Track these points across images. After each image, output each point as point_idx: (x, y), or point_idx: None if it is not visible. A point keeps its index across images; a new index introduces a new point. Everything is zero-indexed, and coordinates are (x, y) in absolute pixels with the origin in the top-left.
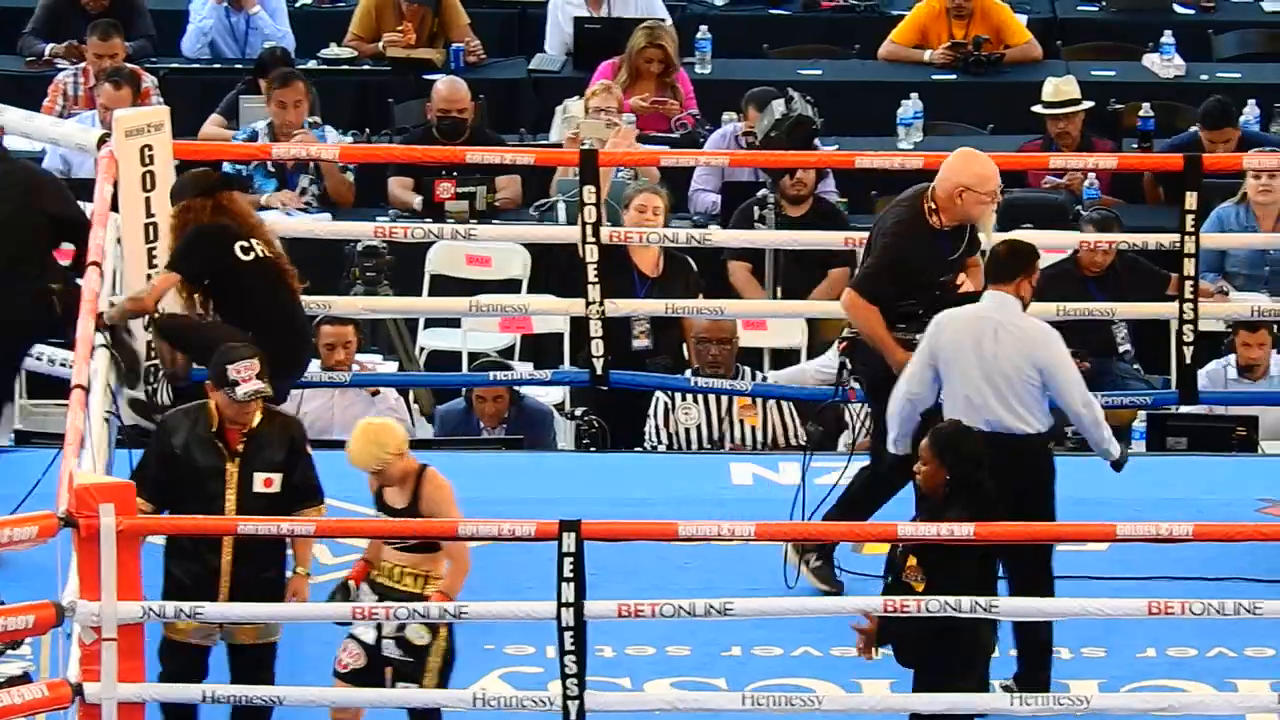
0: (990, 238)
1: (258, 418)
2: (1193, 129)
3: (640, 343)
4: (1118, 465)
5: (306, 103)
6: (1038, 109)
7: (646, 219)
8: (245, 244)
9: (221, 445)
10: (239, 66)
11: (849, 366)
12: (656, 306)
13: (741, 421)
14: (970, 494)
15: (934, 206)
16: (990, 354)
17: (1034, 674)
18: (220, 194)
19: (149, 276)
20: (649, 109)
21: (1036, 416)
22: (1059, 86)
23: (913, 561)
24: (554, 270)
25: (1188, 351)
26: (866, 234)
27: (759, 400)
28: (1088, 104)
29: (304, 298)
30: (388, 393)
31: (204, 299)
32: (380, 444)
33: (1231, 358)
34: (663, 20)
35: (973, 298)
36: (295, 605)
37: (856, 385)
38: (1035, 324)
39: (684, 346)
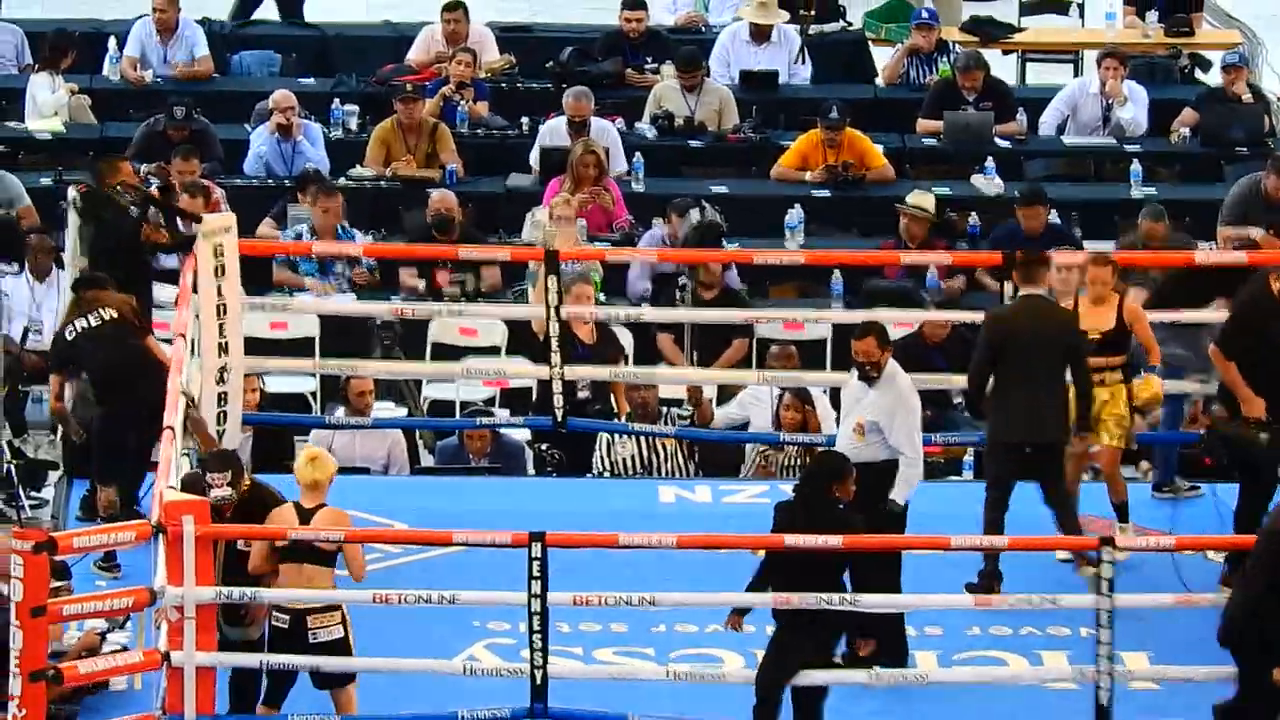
0: None
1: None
2: (1012, 223)
3: (583, 394)
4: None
5: (338, 209)
6: (902, 206)
7: (584, 301)
8: (71, 327)
9: None
10: (286, 183)
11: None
12: (601, 373)
13: (664, 446)
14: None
15: None
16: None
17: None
18: (77, 291)
19: (220, 344)
20: (589, 201)
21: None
22: (920, 198)
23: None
24: (525, 339)
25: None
26: (763, 314)
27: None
28: (930, 209)
29: (336, 361)
30: (394, 432)
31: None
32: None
33: None
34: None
35: None
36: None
37: None
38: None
39: (610, 396)
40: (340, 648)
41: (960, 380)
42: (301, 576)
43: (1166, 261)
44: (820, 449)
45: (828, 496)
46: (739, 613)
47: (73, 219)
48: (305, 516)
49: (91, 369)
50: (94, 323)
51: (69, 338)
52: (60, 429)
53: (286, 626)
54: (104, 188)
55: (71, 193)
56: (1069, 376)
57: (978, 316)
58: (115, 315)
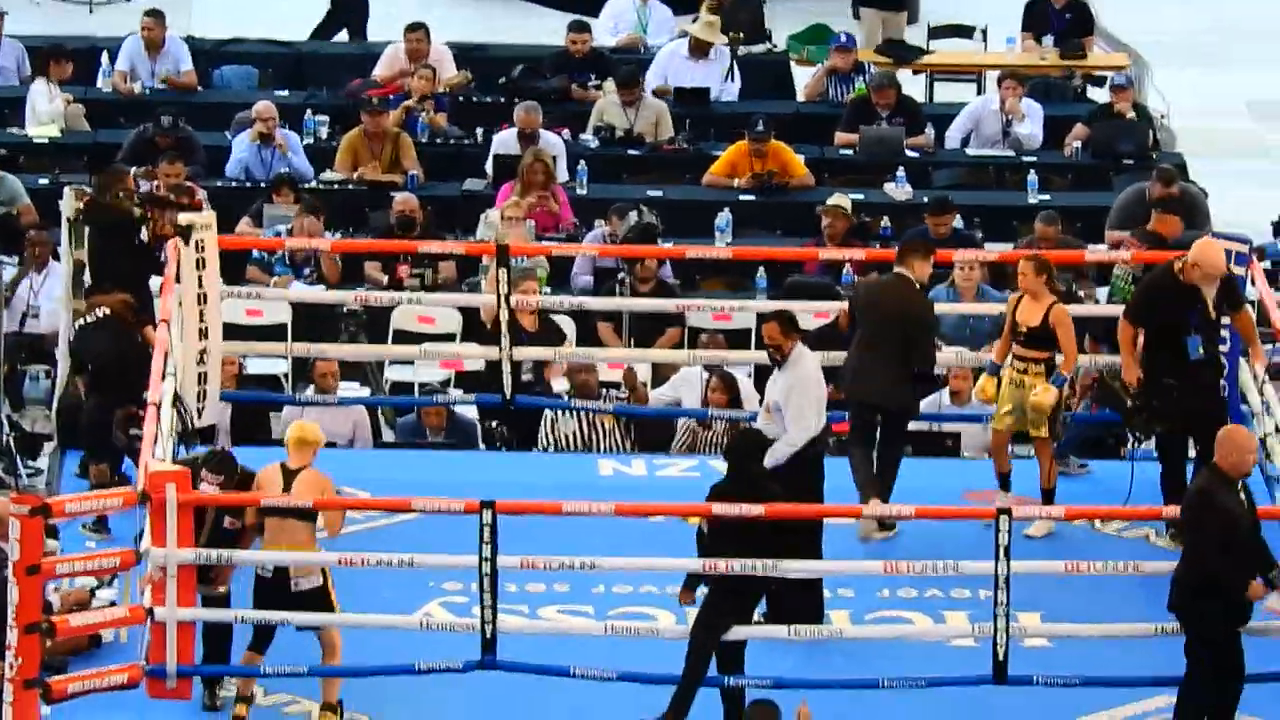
0: None
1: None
2: (921, 226)
3: (527, 377)
4: None
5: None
6: (824, 207)
7: (531, 292)
8: (81, 322)
9: None
10: (263, 185)
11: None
12: (546, 353)
13: (603, 423)
14: (751, 481)
15: None
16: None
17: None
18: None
19: (201, 329)
20: (537, 204)
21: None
22: (839, 199)
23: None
24: (477, 327)
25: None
26: (694, 303)
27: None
28: (849, 209)
29: (306, 345)
30: (359, 408)
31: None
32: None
33: (946, 390)
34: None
35: None
36: (308, 554)
37: None
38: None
39: (549, 381)
40: (320, 594)
41: None
42: (284, 531)
43: (1062, 259)
44: (741, 425)
45: (750, 469)
46: (689, 588)
47: (67, 220)
48: (289, 477)
49: (87, 360)
50: (90, 320)
51: (72, 337)
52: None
53: (270, 576)
54: (108, 195)
55: (68, 199)
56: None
57: None
58: (110, 312)
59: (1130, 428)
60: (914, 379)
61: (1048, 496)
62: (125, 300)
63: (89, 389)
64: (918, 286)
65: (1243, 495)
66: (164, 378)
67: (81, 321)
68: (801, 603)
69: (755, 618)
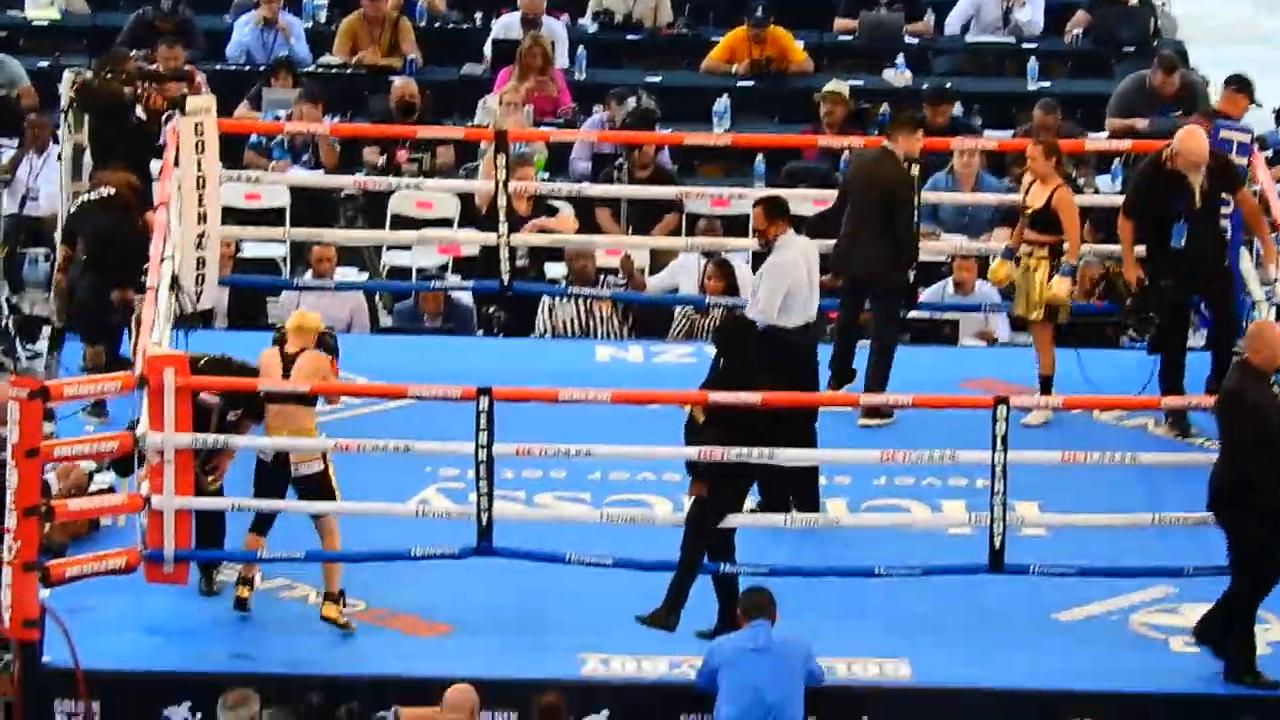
0: None
1: None
2: (920, 113)
3: (522, 262)
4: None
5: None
6: (821, 94)
7: (527, 178)
8: (76, 201)
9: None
10: (262, 68)
11: None
12: (544, 239)
13: (600, 310)
14: (739, 368)
15: None
16: (813, 270)
17: (809, 503)
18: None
19: (200, 214)
20: (537, 89)
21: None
22: (837, 85)
23: (697, 411)
24: (474, 212)
25: (910, 275)
26: (692, 190)
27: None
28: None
29: (305, 230)
30: (356, 294)
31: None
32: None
33: (949, 279)
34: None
35: None
36: (307, 440)
37: None
38: (810, 242)
39: (542, 265)
40: (321, 479)
41: None
42: (284, 415)
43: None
44: (731, 312)
45: (740, 355)
46: (699, 479)
47: (65, 103)
48: (288, 361)
49: (85, 236)
50: (93, 197)
51: (73, 210)
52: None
53: (270, 461)
54: (105, 78)
55: (67, 82)
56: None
57: None
58: (114, 192)
59: (1129, 324)
60: (898, 260)
61: (1045, 384)
62: (129, 181)
63: (85, 269)
64: (903, 160)
65: (1276, 390)
66: (162, 261)
67: (85, 198)
68: (796, 491)
69: (750, 506)
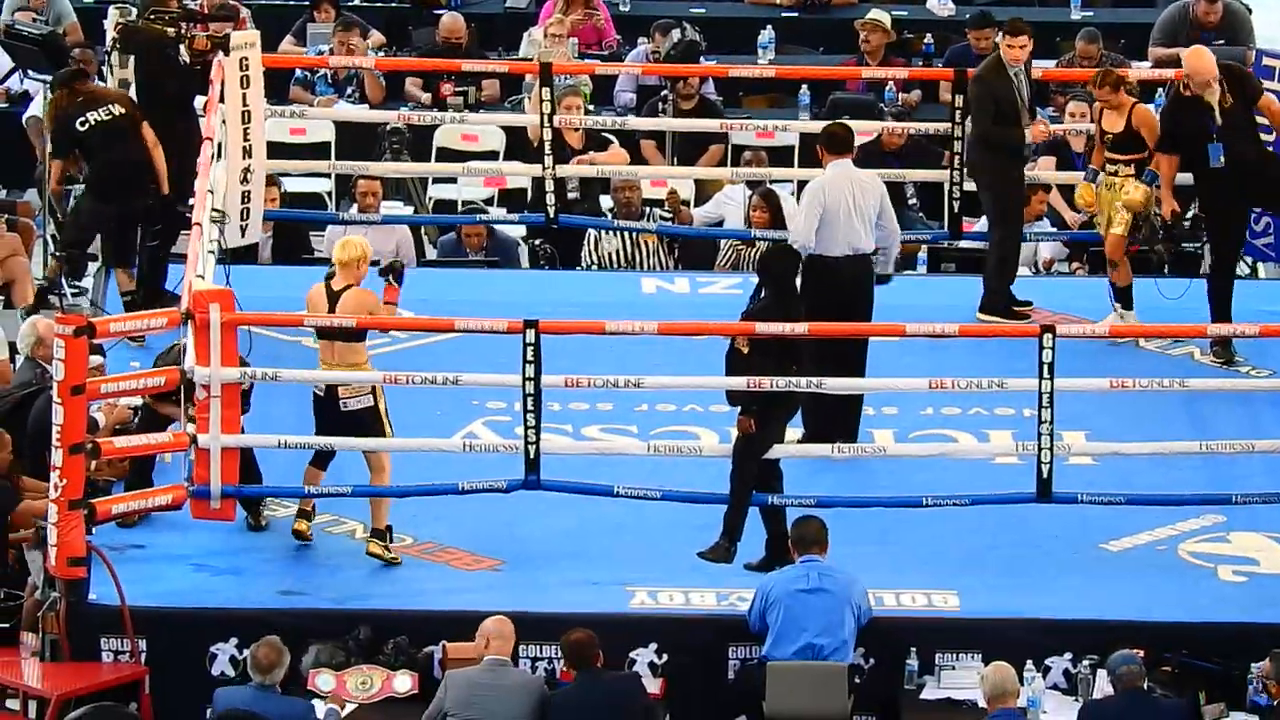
0: None
1: None
2: (963, 43)
3: (572, 194)
4: (884, 279)
5: (358, 44)
6: (861, 21)
7: (574, 110)
8: (82, 118)
9: None
10: (306, 3)
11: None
12: (590, 170)
13: (646, 242)
14: (784, 297)
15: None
16: (860, 199)
17: (850, 431)
18: (70, 84)
19: (245, 148)
20: (582, 21)
21: (873, 239)
22: (877, 14)
23: (741, 341)
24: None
25: (955, 205)
26: (737, 121)
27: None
28: (888, 24)
29: (349, 164)
30: (402, 227)
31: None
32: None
33: None
34: None
35: None
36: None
37: None
38: (871, 175)
39: (598, 198)
40: (372, 415)
41: (913, 175)
42: (333, 351)
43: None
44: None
45: (782, 284)
46: (746, 413)
47: (109, 43)
48: (334, 296)
49: (101, 162)
50: (104, 116)
51: (80, 128)
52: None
53: (323, 394)
54: (149, 19)
55: (111, 19)
56: None
57: (932, 126)
58: (124, 110)
59: (1145, 250)
60: None
61: (1122, 294)
62: (127, 95)
63: (88, 190)
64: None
65: None
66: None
67: (95, 116)
68: (837, 419)
69: (795, 437)
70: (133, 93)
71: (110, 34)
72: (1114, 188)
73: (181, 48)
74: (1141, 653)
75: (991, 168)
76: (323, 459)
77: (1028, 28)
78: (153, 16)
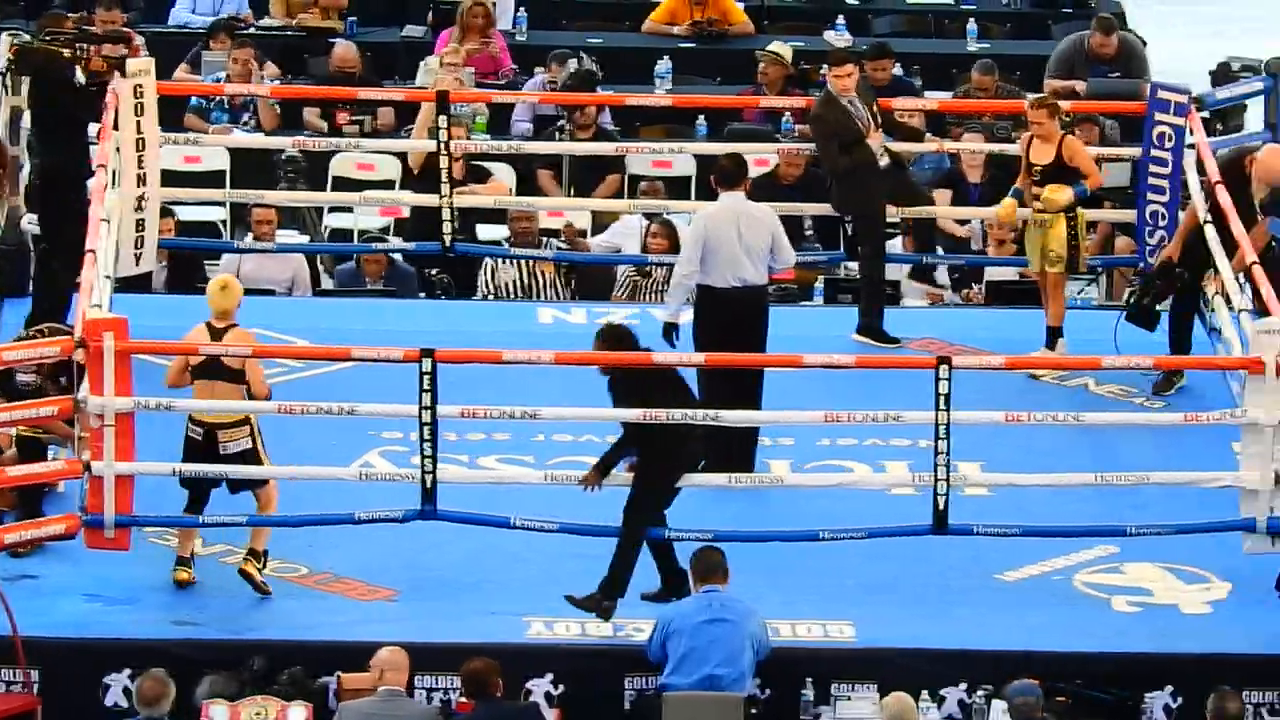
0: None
1: None
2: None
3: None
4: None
5: (248, 59)
6: (761, 53)
7: (461, 138)
8: None
9: None
10: (201, 30)
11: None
12: (486, 201)
13: (543, 272)
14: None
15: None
16: (746, 233)
17: (745, 462)
18: None
19: (139, 175)
20: (478, 50)
21: (764, 273)
22: (778, 46)
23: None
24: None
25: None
26: (633, 145)
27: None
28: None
29: (245, 191)
30: (297, 256)
31: None
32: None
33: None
34: None
35: None
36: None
37: None
38: (763, 209)
39: (474, 228)
40: (250, 458)
41: (809, 209)
42: (214, 393)
43: (997, 109)
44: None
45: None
46: (601, 470)
47: (2, 65)
48: (216, 336)
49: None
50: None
51: None
52: None
53: (200, 439)
54: (43, 40)
55: (3, 46)
56: None
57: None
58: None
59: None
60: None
61: (1051, 335)
62: None
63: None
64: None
65: None
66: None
67: None
68: (732, 449)
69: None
70: (26, 119)
71: (5, 56)
72: (1042, 225)
73: (77, 69)
74: (1038, 682)
75: (854, 197)
76: (196, 506)
77: (852, 57)
78: (48, 38)
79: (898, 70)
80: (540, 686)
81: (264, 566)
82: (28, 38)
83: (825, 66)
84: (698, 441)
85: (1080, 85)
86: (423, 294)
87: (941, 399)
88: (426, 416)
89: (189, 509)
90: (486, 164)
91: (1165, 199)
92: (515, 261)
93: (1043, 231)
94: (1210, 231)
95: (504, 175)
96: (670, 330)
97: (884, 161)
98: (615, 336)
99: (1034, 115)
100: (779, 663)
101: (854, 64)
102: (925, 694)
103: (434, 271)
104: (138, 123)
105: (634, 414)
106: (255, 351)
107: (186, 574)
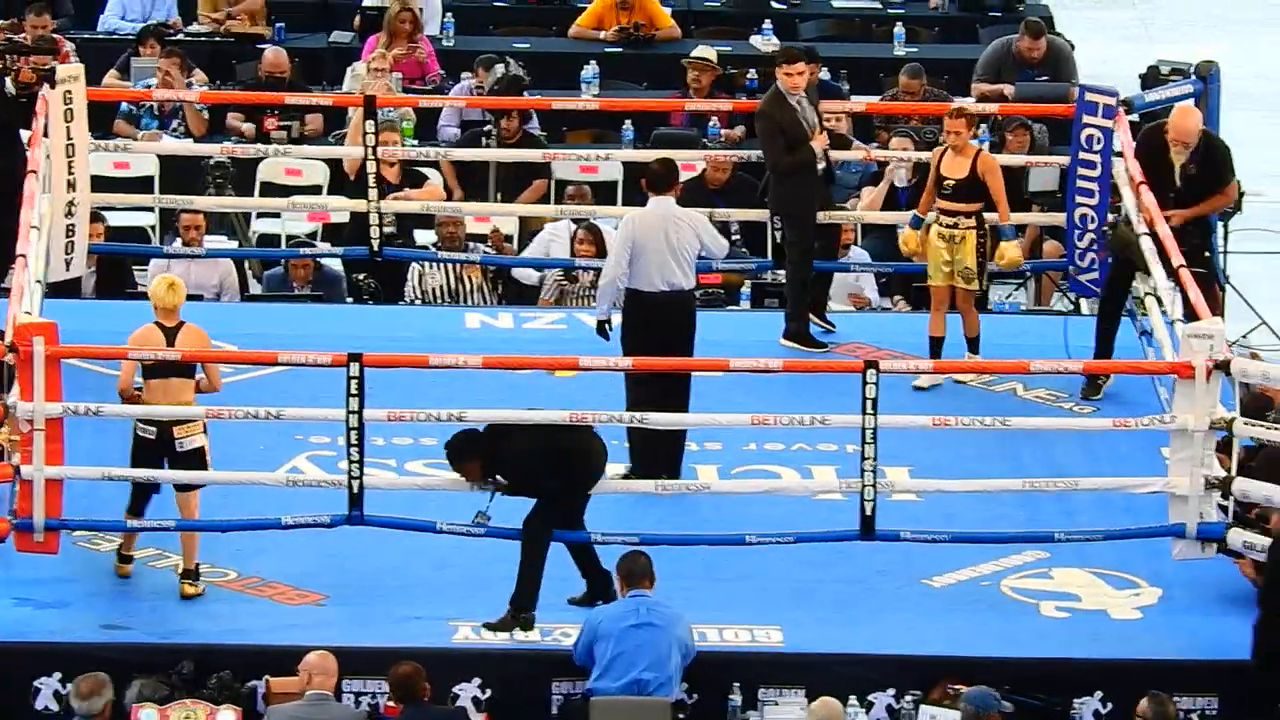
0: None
1: None
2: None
3: (389, 229)
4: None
5: (179, 66)
6: (689, 60)
7: (392, 144)
8: None
9: None
10: (130, 36)
11: None
12: (414, 206)
13: (470, 277)
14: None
15: None
16: (674, 237)
17: (672, 466)
18: None
19: (69, 181)
20: (405, 55)
21: (692, 277)
22: (704, 51)
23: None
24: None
25: (779, 236)
26: (560, 151)
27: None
28: (715, 61)
29: (173, 197)
30: (226, 261)
31: None
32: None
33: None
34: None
35: None
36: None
37: None
38: (690, 213)
39: (411, 233)
40: (201, 455)
41: (737, 214)
42: (168, 390)
43: (924, 111)
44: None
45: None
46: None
47: None
48: (169, 335)
49: None
50: None
51: None
52: None
53: (154, 438)
54: None
55: None
56: None
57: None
58: None
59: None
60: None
61: (973, 345)
62: None
63: None
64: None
65: None
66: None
67: None
68: (659, 454)
69: (621, 472)
70: None
71: None
72: (953, 240)
73: (7, 80)
74: (997, 692)
75: (791, 198)
76: (139, 506)
77: (803, 55)
78: None
79: (825, 74)
80: (468, 691)
81: (198, 578)
82: None
83: (778, 63)
84: (601, 455)
85: (1008, 89)
86: (351, 299)
87: (869, 403)
88: (354, 421)
89: (131, 509)
90: (423, 169)
91: (1094, 202)
92: (443, 266)
93: (951, 246)
94: (1144, 234)
95: (439, 180)
96: (603, 326)
97: (821, 166)
98: None
99: (951, 124)
100: (706, 667)
101: (805, 63)
102: (853, 699)
103: (361, 276)
104: (67, 128)
105: (562, 415)
106: (185, 357)
107: (127, 569)
